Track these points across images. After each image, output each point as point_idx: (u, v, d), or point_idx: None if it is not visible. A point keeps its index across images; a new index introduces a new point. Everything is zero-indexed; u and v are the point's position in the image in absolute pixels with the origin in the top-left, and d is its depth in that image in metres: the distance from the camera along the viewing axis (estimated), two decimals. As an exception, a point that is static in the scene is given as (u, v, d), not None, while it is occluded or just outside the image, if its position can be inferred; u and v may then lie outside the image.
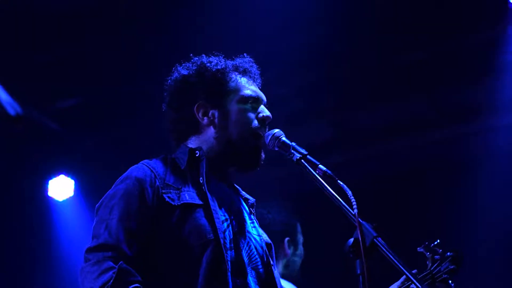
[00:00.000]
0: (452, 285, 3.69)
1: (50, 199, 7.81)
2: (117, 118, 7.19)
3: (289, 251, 5.45)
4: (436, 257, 3.71)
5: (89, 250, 2.91)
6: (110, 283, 2.77)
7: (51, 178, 7.79)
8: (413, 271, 3.56)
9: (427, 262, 3.72)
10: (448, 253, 3.74)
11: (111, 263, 2.82)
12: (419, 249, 3.75)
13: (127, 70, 6.55)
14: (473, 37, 6.47)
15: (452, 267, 3.71)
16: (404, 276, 3.41)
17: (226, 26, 5.96)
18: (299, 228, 5.58)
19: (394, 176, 7.57)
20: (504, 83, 6.77)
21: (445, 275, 3.68)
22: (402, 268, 2.51)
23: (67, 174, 7.80)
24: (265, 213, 5.41)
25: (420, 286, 2.46)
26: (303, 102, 7.25)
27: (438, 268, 3.68)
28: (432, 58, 6.68)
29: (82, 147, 7.66)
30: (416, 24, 6.23)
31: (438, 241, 3.77)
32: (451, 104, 7.26)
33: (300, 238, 5.57)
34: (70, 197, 7.80)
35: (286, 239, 5.46)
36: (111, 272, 2.79)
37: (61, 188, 7.78)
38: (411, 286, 3.39)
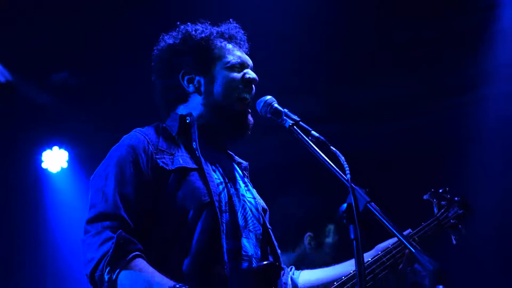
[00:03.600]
0: (463, 230, 3.64)
1: (44, 171, 7.81)
2: (110, 89, 7.16)
3: (308, 246, 5.39)
4: (443, 203, 3.66)
5: (89, 221, 2.91)
6: (110, 253, 2.78)
7: (44, 150, 7.78)
8: (406, 232, 3.54)
9: (434, 209, 3.66)
10: (456, 198, 3.69)
11: (110, 233, 2.83)
12: (425, 197, 3.70)
13: (119, 41, 6.52)
14: (467, 9, 6.43)
15: (460, 211, 3.65)
16: (395, 239, 3.39)
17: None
18: (330, 230, 5.47)
19: (388, 152, 7.55)
20: (497, 53, 6.75)
21: (453, 220, 3.63)
22: (396, 233, 2.51)
23: (61, 145, 7.80)
24: (287, 205, 5.39)
25: (414, 251, 2.45)
26: (296, 77, 7.22)
27: (445, 214, 3.63)
28: (425, 34, 6.64)
29: (76, 119, 7.64)
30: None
31: (447, 188, 3.72)
32: (445, 77, 7.23)
33: (328, 239, 5.45)
34: (64, 169, 7.81)
35: (307, 233, 5.41)
36: (110, 242, 2.80)
37: (54, 159, 7.79)
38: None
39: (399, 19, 6.46)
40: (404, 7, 6.27)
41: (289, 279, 3.42)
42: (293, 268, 3.49)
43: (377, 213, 2.50)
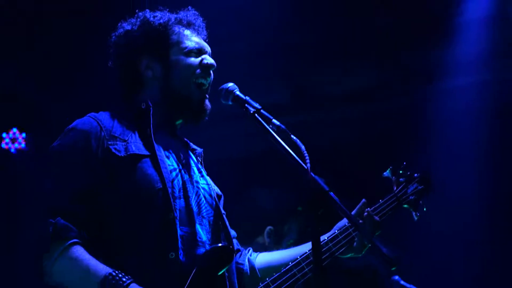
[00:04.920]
0: (424, 206, 3.60)
1: (3, 152, 7.73)
2: (70, 71, 7.10)
3: (268, 240, 5.40)
4: (401, 179, 3.64)
5: (32, 207, 2.93)
6: (47, 239, 2.80)
7: (4, 131, 7.71)
8: (360, 203, 3.51)
9: (393, 187, 3.64)
10: (416, 174, 3.68)
11: (50, 219, 2.83)
12: (385, 174, 3.67)
13: (83, 24, 6.47)
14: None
15: (420, 187, 3.64)
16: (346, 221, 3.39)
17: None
18: (293, 228, 5.46)
19: (354, 141, 7.58)
20: (461, 44, 6.82)
21: (413, 197, 3.60)
22: (355, 223, 2.56)
23: (20, 127, 7.73)
24: (255, 197, 5.39)
25: (371, 241, 2.49)
26: (260, 62, 7.21)
27: (404, 190, 3.59)
28: (392, 21, 6.67)
29: (35, 100, 7.57)
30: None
31: (405, 163, 3.69)
32: (410, 66, 7.28)
33: (290, 236, 5.44)
34: (23, 150, 7.74)
35: (268, 227, 5.42)
36: (50, 228, 2.81)
37: (14, 140, 7.72)
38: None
39: (366, 6, 6.50)
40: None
41: (246, 260, 3.45)
42: (251, 250, 3.51)
43: (335, 203, 2.53)
